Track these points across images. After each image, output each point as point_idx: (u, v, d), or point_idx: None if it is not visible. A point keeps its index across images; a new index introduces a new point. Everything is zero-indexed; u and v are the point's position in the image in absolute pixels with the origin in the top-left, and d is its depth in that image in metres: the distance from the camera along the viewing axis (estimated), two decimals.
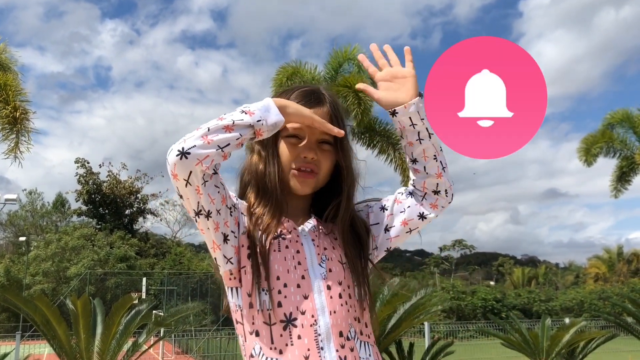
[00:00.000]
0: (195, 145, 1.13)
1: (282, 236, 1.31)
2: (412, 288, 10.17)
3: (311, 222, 1.36)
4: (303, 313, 1.19)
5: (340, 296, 1.25)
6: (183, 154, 1.13)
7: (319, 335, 1.19)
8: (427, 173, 1.37)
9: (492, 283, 56.65)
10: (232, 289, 1.28)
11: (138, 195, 39.98)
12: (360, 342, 1.24)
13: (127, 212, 39.77)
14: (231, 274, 1.27)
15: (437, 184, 1.37)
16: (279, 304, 1.20)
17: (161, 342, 15.24)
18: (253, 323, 1.23)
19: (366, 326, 1.29)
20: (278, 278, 1.23)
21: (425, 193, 1.39)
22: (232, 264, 1.26)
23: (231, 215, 1.27)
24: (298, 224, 1.35)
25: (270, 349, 1.19)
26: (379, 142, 12.66)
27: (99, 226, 36.89)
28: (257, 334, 1.21)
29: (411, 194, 1.42)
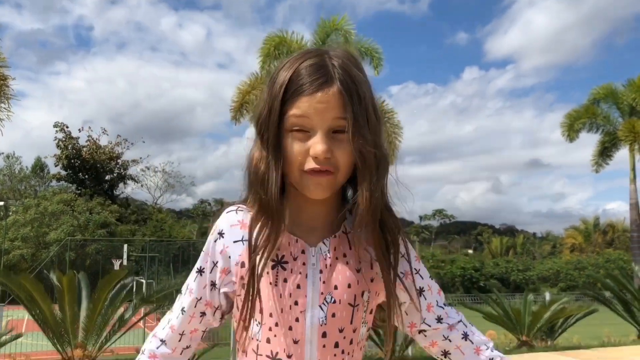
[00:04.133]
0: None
1: (284, 264, 1.08)
2: None
3: (328, 243, 1.10)
4: (289, 357, 1.07)
5: (336, 345, 1.08)
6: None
7: None
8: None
9: (470, 251, 57.59)
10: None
11: (118, 160, 39.54)
12: None
13: (107, 177, 39.36)
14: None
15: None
16: (268, 341, 1.08)
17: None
18: (245, 342, 1.12)
19: None
20: (271, 315, 1.07)
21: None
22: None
23: (214, 288, 1.14)
24: (315, 239, 1.10)
25: None
26: None
27: (78, 192, 36.49)
28: (246, 355, 1.12)
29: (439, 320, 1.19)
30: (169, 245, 31.40)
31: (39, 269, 25.51)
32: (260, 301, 1.07)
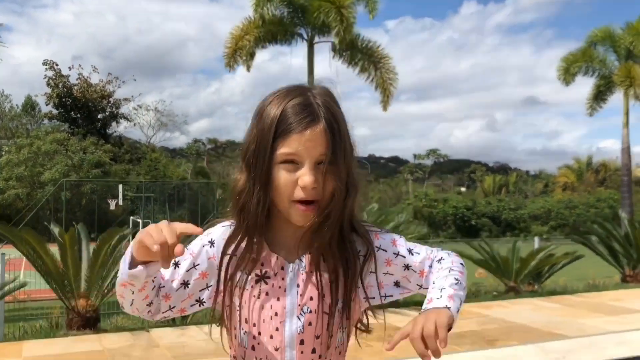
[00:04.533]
0: (121, 302, 1.20)
1: (266, 279, 1.21)
2: (389, 212, 10.40)
3: (305, 259, 1.22)
4: None
5: (313, 351, 1.21)
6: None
7: None
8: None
9: (463, 189, 58.18)
10: (221, 313, 1.27)
11: (110, 99, 39.10)
12: None
13: (99, 116, 39.03)
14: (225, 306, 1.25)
15: None
16: (252, 348, 1.21)
17: None
18: (235, 347, 1.25)
19: None
20: (254, 325, 1.20)
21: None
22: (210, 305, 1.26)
23: (187, 288, 1.22)
24: (294, 256, 1.22)
25: None
26: (361, 60, 12.42)
27: (71, 131, 36.25)
28: (235, 358, 1.26)
29: (431, 267, 1.30)
30: (164, 185, 31.55)
31: (36, 209, 25.74)
32: (244, 312, 1.19)
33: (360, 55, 12.43)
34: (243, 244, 1.20)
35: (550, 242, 31.40)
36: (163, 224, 1.02)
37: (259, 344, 1.20)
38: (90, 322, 6.52)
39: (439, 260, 1.29)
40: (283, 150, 1.13)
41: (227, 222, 1.26)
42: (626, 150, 16.18)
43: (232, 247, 1.21)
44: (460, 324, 7.01)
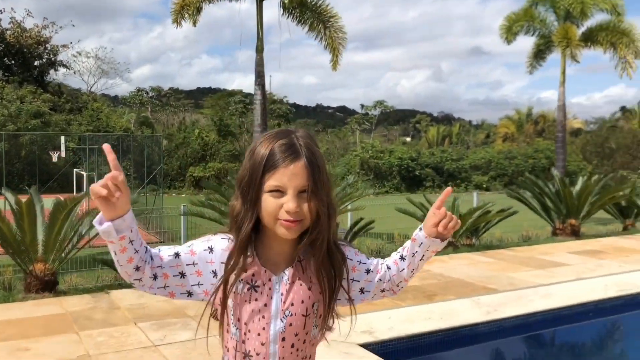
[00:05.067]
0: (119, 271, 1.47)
1: (256, 287, 1.50)
2: (339, 173, 10.76)
3: (287, 272, 1.51)
4: (257, 354, 1.52)
5: (292, 345, 1.52)
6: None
7: None
8: (400, 273, 1.63)
9: (408, 139, 59.33)
10: (215, 310, 1.58)
11: (47, 45, 37.42)
12: None
13: (36, 63, 37.38)
14: (217, 304, 1.55)
15: (401, 282, 1.68)
16: (243, 341, 1.52)
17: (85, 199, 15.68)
18: (227, 340, 1.57)
19: (310, 357, 1.61)
20: (245, 324, 1.51)
21: (391, 282, 1.66)
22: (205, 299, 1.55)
23: (182, 278, 1.50)
24: (279, 269, 1.52)
25: None
26: (310, 18, 12.48)
27: (5, 78, 34.66)
28: (228, 350, 1.58)
29: (389, 268, 1.65)
30: (107, 137, 30.86)
31: None
32: (237, 312, 1.51)
33: (310, 13, 12.48)
34: (235, 258, 1.49)
35: (490, 191, 32.70)
36: (108, 175, 1.32)
37: (248, 339, 1.51)
38: (48, 286, 6.68)
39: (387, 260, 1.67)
40: (271, 182, 1.43)
41: (226, 235, 1.55)
42: (561, 108, 16.99)
43: (232, 259, 1.50)
44: None
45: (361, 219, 9.42)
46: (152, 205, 17.65)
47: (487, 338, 5.95)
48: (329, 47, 12.56)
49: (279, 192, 1.43)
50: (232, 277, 1.49)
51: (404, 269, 1.63)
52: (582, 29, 16.64)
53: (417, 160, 35.14)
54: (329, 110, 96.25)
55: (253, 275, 1.51)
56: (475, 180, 34.96)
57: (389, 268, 1.65)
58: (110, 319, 5.75)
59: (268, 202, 1.44)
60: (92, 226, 6.84)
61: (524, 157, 35.60)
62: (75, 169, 27.38)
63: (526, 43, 18.52)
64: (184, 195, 31.29)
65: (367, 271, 1.63)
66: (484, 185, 34.23)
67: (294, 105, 62.49)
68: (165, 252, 1.51)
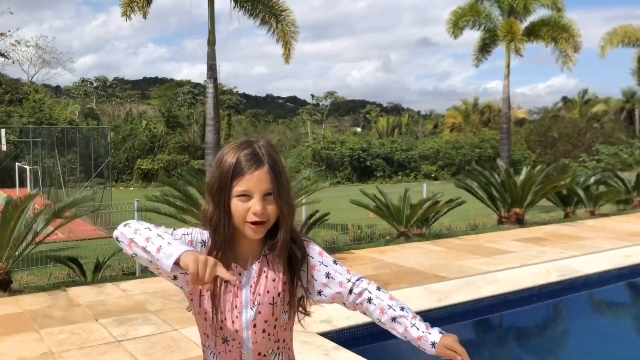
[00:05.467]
0: (122, 242, 1.59)
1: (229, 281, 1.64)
2: (291, 164, 10.88)
3: (255, 267, 1.69)
4: (234, 339, 1.71)
5: (263, 331, 1.70)
6: (117, 239, 1.62)
7: (243, 353, 1.72)
8: (377, 319, 1.78)
9: (358, 130, 59.89)
10: (191, 300, 1.76)
11: None
12: (277, 354, 1.78)
13: None
14: (191, 294, 1.73)
15: (370, 317, 1.82)
16: (221, 328, 1.71)
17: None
18: (205, 327, 1.75)
19: (284, 341, 1.79)
20: (222, 312, 1.70)
21: (356, 307, 1.81)
22: (184, 289, 1.72)
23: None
24: (248, 264, 1.70)
25: (215, 348, 1.75)
26: (262, 12, 12.51)
27: None
28: (207, 336, 1.76)
29: (369, 301, 1.76)
30: (51, 129, 29.97)
31: None
32: (215, 302, 1.69)
33: (262, 7, 12.52)
34: (214, 253, 1.66)
35: (438, 180, 33.43)
36: (211, 263, 1.45)
37: (225, 326, 1.70)
38: (2, 285, 6.59)
39: (371, 294, 1.77)
40: (238, 188, 1.61)
41: (203, 231, 1.72)
42: (506, 100, 17.62)
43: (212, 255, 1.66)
44: (359, 269, 7.79)
45: (317, 211, 9.62)
46: (101, 199, 17.34)
47: (439, 323, 6.14)
48: (281, 41, 12.64)
49: (246, 196, 1.61)
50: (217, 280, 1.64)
51: (383, 324, 1.78)
52: (525, 23, 17.31)
53: (368, 150, 35.63)
54: (280, 101, 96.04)
55: (228, 270, 1.65)
56: (424, 169, 35.73)
57: (369, 300, 1.77)
58: (70, 316, 5.76)
59: (237, 206, 1.61)
60: (46, 223, 6.79)
61: (471, 147, 36.58)
62: (17, 163, 26.52)
63: (473, 35, 19.08)
64: (132, 188, 30.78)
65: (327, 275, 1.77)
66: (433, 175, 35.04)
67: (244, 95, 62.12)
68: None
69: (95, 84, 54.43)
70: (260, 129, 46.44)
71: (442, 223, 11.49)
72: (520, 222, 11.80)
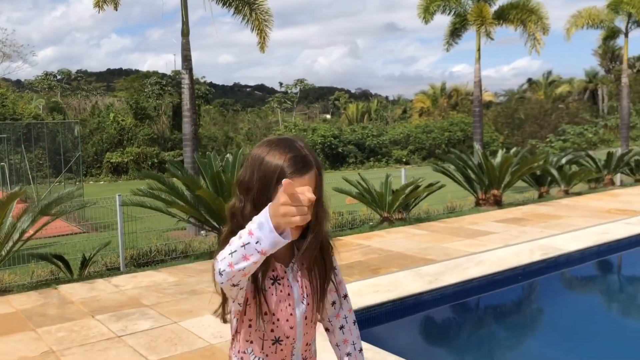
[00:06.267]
0: (225, 270, 1.52)
1: (278, 281, 1.71)
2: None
3: (294, 263, 1.73)
4: (287, 337, 1.74)
5: (311, 320, 1.78)
6: (219, 272, 1.54)
7: (294, 348, 1.77)
8: (333, 340, 1.96)
9: (328, 117, 59.96)
10: (239, 311, 1.75)
11: None
12: (313, 339, 1.86)
13: None
14: (239, 305, 1.74)
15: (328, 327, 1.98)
16: (272, 330, 1.74)
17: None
18: (250, 334, 1.76)
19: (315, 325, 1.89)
20: (274, 314, 1.72)
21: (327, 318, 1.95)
22: (239, 305, 1.73)
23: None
24: (287, 261, 1.73)
25: (260, 352, 1.77)
26: (235, 0, 12.41)
27: None
28: (252, 342, 1.77)
29: (341, 327, 1.94)
30: (15, 124, 29.22)
31: None
32: (267, 305, 1.71)
33: None
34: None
35: (409, 165, 33.73)
36: (301, 192, 1.36)
37: (277, 327, 1.73)
38: None
39: (346, 324, 1.94)
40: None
41: None
42: (478, 84, 17.86)
43: None
44: (348, 255, 7.89)
45: None
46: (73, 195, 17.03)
47: (431, 305, 6.39)
48: (256, 30, 12.56)
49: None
50: (260, 276, 1.68)
51: (337, 348, 1.94)
52: (495, 7, 17.53)
53: (339, 137, 35.74)
54: (247, 89, 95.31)
55: (273, 270, 1.72)
56: (395, 154, 36.02)
57: (340, 327, 1.94)
58: (66, 314, 5.71)
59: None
60: (32, 221, 6.69)
61: (440, 131, 36.98)
62: None
63: (439, 19, 19.22)
64: (102, 182, 30.32)
65: (339, 282, 1.91)
66: (404, 160, 35.37)
67: (211, 84, 61.45)
68: None
69: (58, 77, 53.21)
70: (229, 118, 46.02)
71: (420, 207, 11.65)
72: (498, 203, 12.05)
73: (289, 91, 52.90)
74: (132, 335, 5.07)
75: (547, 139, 35.49)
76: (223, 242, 1.58)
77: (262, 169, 1.60)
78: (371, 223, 10.45)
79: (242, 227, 1.51)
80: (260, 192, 1.60)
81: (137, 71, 63.78)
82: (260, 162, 1.61)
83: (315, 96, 71.18)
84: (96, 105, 40.36)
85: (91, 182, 30.14)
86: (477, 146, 13.37)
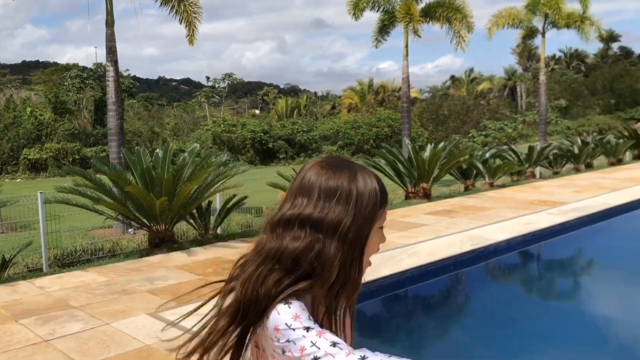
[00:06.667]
0: None
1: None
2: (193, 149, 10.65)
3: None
4: None
5: None
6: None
7: None
8: None
9: (257, 112, 59.56)
10: None
11: None
12: None
13: None
14: None
15: None
16: None
17: None
18: None
19: None
20: None
21: None
22: None
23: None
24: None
25: None
26: None
27: None
28: None
29: None
30: None
31: None
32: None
33: None
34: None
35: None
36: None
37: None
38: None
39: None
40: (380, 222, 1.37)
41: (289, 305, 1.25)
42: (406, 80, 18.22)
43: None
44: None
45: (234, 195, 9.52)
46: None
47: (369, 297, 6.45)
48: (185, 22, 12.24)
49: (381, 227, 1.41)
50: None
51: None
52: (422, 5, 17.91)
53: (269, 132, 35.58)
54: (173, 83, 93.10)
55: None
56: (325, 150, 36.25)
57: None
58: None
59: (374, 240, 1.38)
60: None
61: (368, 126, 37.55)
62: None
63: (366, 16, 19.46)
64: (19, 180, 28.81)
65: None
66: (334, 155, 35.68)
67: (135, 78, 59.61)
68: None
69: None
70: (154, 113, 44.80)
71: None
72: (428, 196, 12.35)
73: (217, 85, 52.13)
74: (61, 339, 4.80)
75: (470, 134, 36.82)
76: (275, 285, 1.26)
77: (359, 203, 1.32)
78: None
79: (316, 271, 1.30)
80: (357, 230, 1.32)
81: (55, 64, 60.91)
82: (347, 192, 1.33)
83: (243, 91, 70.55)
84: (11, 99, 38.26)
85: (7, 179, 28.58)
86: (407, 141, 13.65)
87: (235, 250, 7.99)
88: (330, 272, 1.31)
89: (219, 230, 9.60)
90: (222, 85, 52.02)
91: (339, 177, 1.33)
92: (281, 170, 11.73)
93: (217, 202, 9.85)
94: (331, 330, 1.32)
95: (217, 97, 49.80)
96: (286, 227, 1.30)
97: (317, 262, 1.29)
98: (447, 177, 14.53)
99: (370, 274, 6.57)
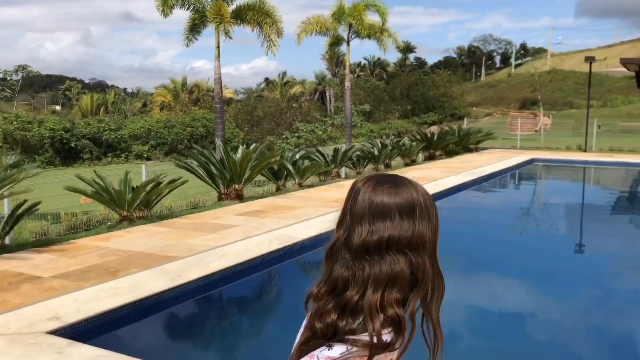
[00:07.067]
0: None
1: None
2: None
3: None
4: None
5: None
6: None
7: None
8: None
9: (58, 108, 55.04)
10: None
11: None
12: None
13: None
14: None
15: None
16: None
17: None
18: None
19: None
20: None
21: None
22: None
23: None
24: None
25: None
26: None
27: None
28: None
29: None
30: None
31: None
32: None
33: None
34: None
35: (151, 160, 32.90)
36: None
37: None
38: None
39: None
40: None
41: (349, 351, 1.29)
42: (218, 81, 18.12)
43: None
44: (82, 259, 7.32)
45: (25, 201, 8.66)
46: None
47: (174, 302, 6.30)
48: None
49: None
50: None
51: None
52: (233, 7, 17.95)
53: (72, 131, 33.01)
54: None
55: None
56: (136, 150, 34.68)
57: None
58: None
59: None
60: None
61: (183, 126, 36.74)
62: None
63: (178, 13, 19.08)
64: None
65: None
66: (145, 155, 34.23)
67: None
68: None
69: None
70: None
71: (163, 204, 11.40)
72: (240, 197, 12.41)
73: (9, 78, 47.02)
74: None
75: (284, 136, 37.87)
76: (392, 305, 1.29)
77: (426, 218, 1.35)
78: (109, 223, 9.86)
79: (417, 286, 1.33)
80: (434, 236, 1.36)
81: None
82: (420, 205, 1.35)
83: (42, 85, 64.60)
84: None
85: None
86: (218, 142, 13.59)
87: (25, 262, 7.26)
88: (428, 283, 1.35)
89: (7, 241, 8.66)
90: (14, 77, 47.05)
91: (406, 192, 1.35)
92: (84, 172, 10.93)
93: (5, 208, 8.89)
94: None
95: (8, 90, 44.94)
96: (378, 252, 1.31)
97: (420, 277, 1.33)
98: (260, 177, 14.76)
99: (176, 279, 6.44)
